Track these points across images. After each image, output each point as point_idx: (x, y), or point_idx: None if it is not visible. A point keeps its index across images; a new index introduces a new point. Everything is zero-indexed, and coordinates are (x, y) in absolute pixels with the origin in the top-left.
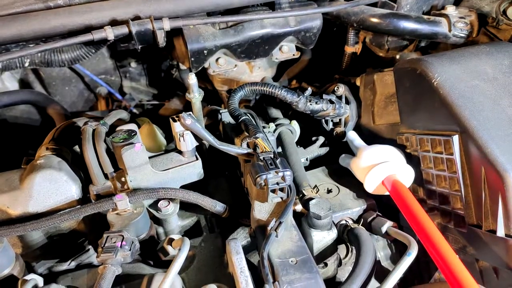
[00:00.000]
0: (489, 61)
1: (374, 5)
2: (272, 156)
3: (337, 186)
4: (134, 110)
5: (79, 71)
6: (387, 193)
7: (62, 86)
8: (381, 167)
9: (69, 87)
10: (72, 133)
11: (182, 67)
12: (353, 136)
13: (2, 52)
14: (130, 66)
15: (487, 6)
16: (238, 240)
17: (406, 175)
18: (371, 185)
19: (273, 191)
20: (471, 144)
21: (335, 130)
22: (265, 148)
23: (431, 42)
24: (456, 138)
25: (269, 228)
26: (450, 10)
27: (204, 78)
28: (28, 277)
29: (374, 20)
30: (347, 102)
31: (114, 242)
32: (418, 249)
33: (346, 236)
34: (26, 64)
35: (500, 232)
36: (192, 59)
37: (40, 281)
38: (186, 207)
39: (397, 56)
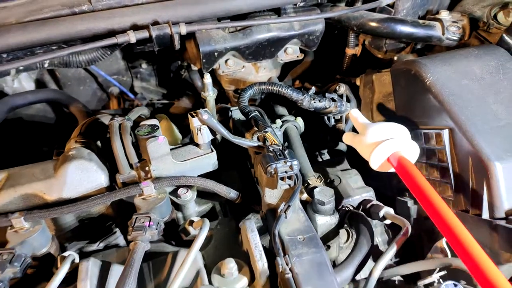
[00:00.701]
0: (477, 62)
1: (373, 10)
2: (280, 148)
3: (339, 177)
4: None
5: (93, 71)
6: (392, 170)
7: (77, 86)
8: (387, 144)
9: (84, 87)
10: (96, 128)
11: (194, 68)
12: (356, 114)
13: (27, 54)
14: (141, 67)
15: (479, 11)
16: (252, 221)
17: (411, 151)
18: (376, 162)
19: (282, 178)
20: (459, 138)
21: (336, 126)
22: (274, 141)
23: (426, 45)
24: (446, 132)
25: (279, 210)
26: (444, 15)
27: (212, 78)
28: (66, 253)
29: (373, 24)
30: (348, 100)
31: (143, 222)
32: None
33: (347, 220)
34: (46, 65)
35: (485, 215)
36: (204, 60)
37: (76, 257)
38: (202, 195)
39: (395, 58)
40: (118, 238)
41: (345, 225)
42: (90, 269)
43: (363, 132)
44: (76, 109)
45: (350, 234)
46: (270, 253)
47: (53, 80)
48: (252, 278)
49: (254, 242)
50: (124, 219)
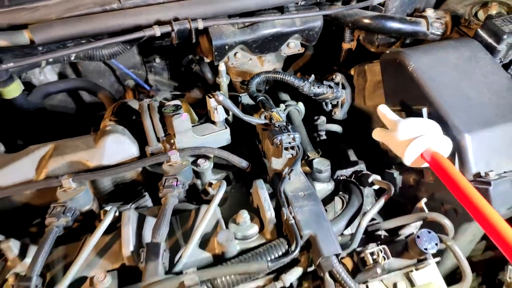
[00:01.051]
0: (454, 53)
1: (366, 8)
2: (284, 124)
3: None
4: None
5: (112, 65)
6: (426, 165)
7: (97, 79)
8: (420, 140)
9: (103, 80)
10: (125, 110)
11: (206, 60)
12: (384, 110)
13: (59, 47)
14: (154, 61)
15: (462, 9)
16: (262, 180)
17: (443, 146)
18: (410, 158)
19: (286, 148)
20: (436, 115)
21: (333, 110)
22: (278, 118)
23: (414, 39)
24: (425, 110)
25: (283, 173)
26: (429, 12)
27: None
28: (107, 207)
29: (366, 21)
30: (343, 88)
31: (171, 182)
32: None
33: (341, 187)
34: (72, 58)
35: None
36: (216, 53)
37: (117, 211)
38: (216, 166)
39: (386, 52)
40: (147, 201)
41: (340, 193)
42: (131, 217)
43: (393, 128)
44: (103, 96)
45: (344, 202)
46: (277, 208)
47: (74, 73)
48: (261, 228)
49: (264, 196)
50: (152, 186)
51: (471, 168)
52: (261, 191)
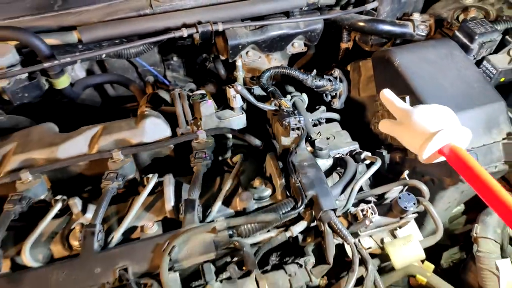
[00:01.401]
0: (433, 51)
1: (361, 13)
2: (291, 109)
3: (333, 135)
4: None
5: (135, 62)
6: (441, 159)
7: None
8: (443, 135)
9: (126, 75)
10: (156, 99)
11: (222, 57)
12: (390, 95)
13: (96, 46)
14: (172, 60)
15: (445, 13)
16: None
17: (462, 138)
18: (428, 154)
19: (293, 129)
20: (416, 101)
21: (332, 101)
22: (286, 105)
23: (403, 40)
24: (407, 98)
25: (291, 148)
26: (416, 16)
27: (233, 68)
28: (151, 175)
29: (361, 24)
30: (341, 81)
31: (201, 155)
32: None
33: (338, 162)
34: (103, 56)
35: None
36: (230, 51)
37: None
38: (234, 146)
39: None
40: None
41: (338, 168)
42: (170, 179)
43: (404, 119)
44: (134, 88)
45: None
46: (285, 177)
47: (100, 70)
48: (273, 192)
49: (275, 165)
50: (183, 160)
51: None
52: (273, 161)
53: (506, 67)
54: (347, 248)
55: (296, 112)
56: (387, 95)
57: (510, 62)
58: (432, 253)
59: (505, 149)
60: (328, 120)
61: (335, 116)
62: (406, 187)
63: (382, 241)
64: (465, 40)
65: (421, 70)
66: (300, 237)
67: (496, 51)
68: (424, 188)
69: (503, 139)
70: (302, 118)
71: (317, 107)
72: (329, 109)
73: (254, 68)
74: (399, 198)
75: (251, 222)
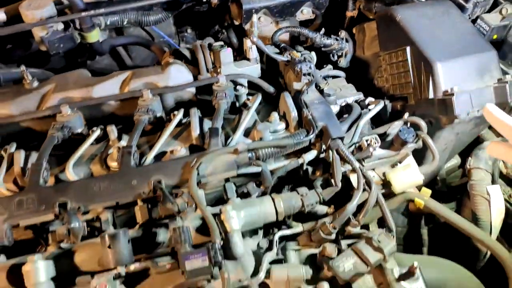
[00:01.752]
0: (431, 9)
1: None
2: (302, 58)
3: (340, 88)
4: None
5: (152, 32)
6: None
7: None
8: None
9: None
10: (177, 54)
11: (236, 22)
12: (496, 111)
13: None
14: (186, 32)
15: None
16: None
17: None
18: None
19: (304, 74)
20: (415, 51)
21: (338, 60)
22: (298, 56)
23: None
24: (408, 49)
25: (302, 90)
26: None
27: (243, 36)
28: (177, 111)
29: None
30: (347, 41)
31: (221, 94)
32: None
33: (344, 109)
34: (125, 23)
35: (431, 96)
36: (244, 15)
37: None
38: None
39: None
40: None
41: (344, 115)
42: (196, 112)
43: None
44: (156, 48)
45: None
46: (298, 116)
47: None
48: (287, 127)
49: (289, 101)
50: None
51: (441, 87)
52: (287, 98)
53: (498, 24)
54: (352, 178)
55: (306, 60)
56: (493, 111)
57: (502, 19)
58: None
59: (496, 91)
60: (335, 78)
61: (341, 73)
62: (407, 124)
63: (384, 174)
64: (460, 0)
65: (420, 25)
66: (310, 170)
67: (489, 10)
68: (423, 123)
69: (494, 84)
70: (313, 65)
71: (324, 66)
72: (336, 68)
73: (264, 36)
74: (400, 131)
75: (268, 145)
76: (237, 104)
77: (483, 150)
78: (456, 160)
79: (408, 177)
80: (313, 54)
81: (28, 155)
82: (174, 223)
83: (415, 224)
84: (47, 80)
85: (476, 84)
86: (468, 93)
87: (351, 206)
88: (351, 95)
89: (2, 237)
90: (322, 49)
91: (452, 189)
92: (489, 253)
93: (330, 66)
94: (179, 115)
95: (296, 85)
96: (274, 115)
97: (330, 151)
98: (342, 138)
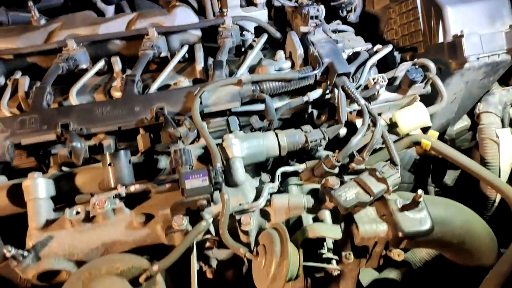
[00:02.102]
0: None
1: None
2: (310, 2)
3: (348, 40)
4: None
5: None
6: None
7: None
8: None
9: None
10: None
11: None
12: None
13: None
14: None
15: None
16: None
17: None
18: None
19: (311, 17)
20: None
21: (348, 14)
22: (305, 1)
23: None
24: None
25: (309, 31)
26: None
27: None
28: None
29: None
30: None
31: (227, 33)
32: None
33: (352, 56)
34: None
35: (441, 40)
36: None
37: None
38: None
39: None
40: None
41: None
42: (200, 47)
43: None
44: (163, 1)
45: None
46: (304, 51)
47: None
48: (293, 65)
49: (295, 39)
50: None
51: (450, 31)
52: (294, 36)
53: None
54: (357, 122)
55: (314, 4)
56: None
57: None
58: None
59: (507, 37)
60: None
61: (350, 29)
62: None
63: (390, 119)
64: None
65: None
66: (315, 113)
67: None
68: (431, 64)
69: (506, 29)
70: (321, 7)
71: (333, 21)
72: (344, 23)
73: None
74: (408, 71)
75: (273, 78)
76: (243, 49)
77: (493, 95)
78: (466, 122)
79: (415, 117)
80: (322, 6)
81: (33, 83)
82: (176, 146)
83: (422, 181)
84: (54, 19)
85: (487, 29)
86: (478, 35)
87: (356, 139)
88: (360, 45)
89: (4, 153)
90: (331, 3)
91: (462, 152)
92: (497, 201)
93: (338, 21)
94: (183, 49)
95: (303, 28)
96: (280, 53)
97: (336, 90)
98: (348, 75)
